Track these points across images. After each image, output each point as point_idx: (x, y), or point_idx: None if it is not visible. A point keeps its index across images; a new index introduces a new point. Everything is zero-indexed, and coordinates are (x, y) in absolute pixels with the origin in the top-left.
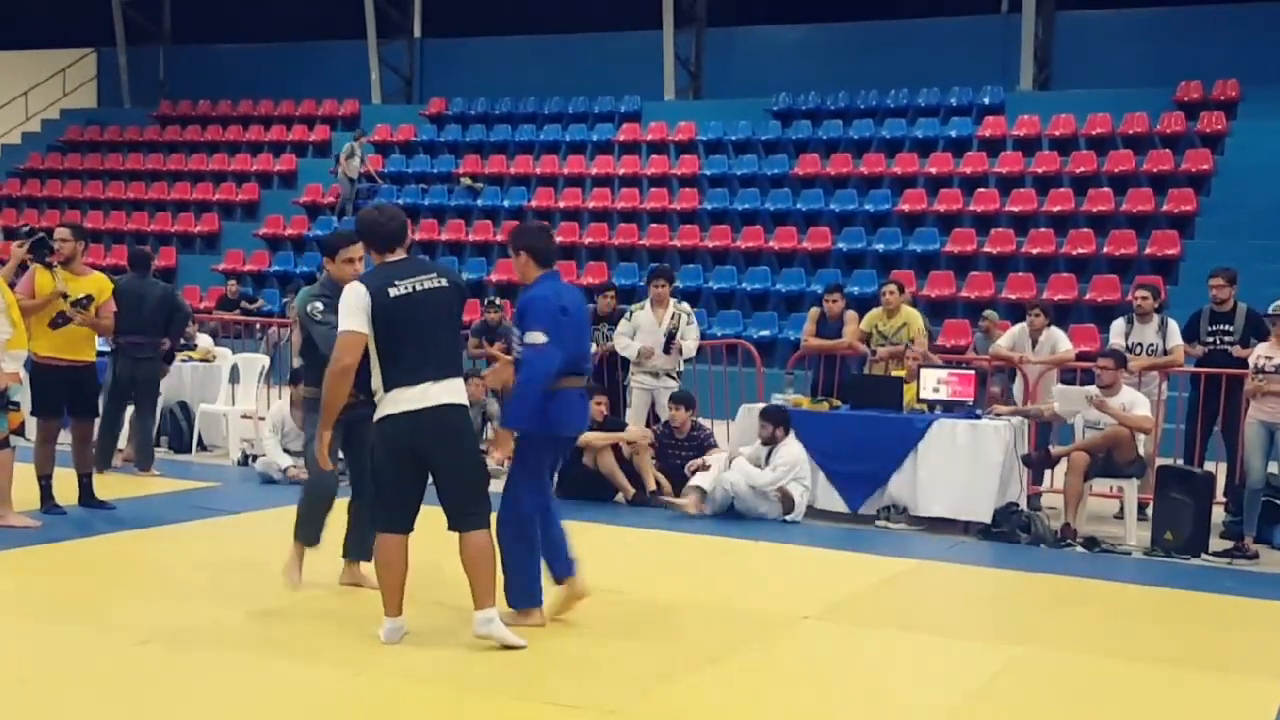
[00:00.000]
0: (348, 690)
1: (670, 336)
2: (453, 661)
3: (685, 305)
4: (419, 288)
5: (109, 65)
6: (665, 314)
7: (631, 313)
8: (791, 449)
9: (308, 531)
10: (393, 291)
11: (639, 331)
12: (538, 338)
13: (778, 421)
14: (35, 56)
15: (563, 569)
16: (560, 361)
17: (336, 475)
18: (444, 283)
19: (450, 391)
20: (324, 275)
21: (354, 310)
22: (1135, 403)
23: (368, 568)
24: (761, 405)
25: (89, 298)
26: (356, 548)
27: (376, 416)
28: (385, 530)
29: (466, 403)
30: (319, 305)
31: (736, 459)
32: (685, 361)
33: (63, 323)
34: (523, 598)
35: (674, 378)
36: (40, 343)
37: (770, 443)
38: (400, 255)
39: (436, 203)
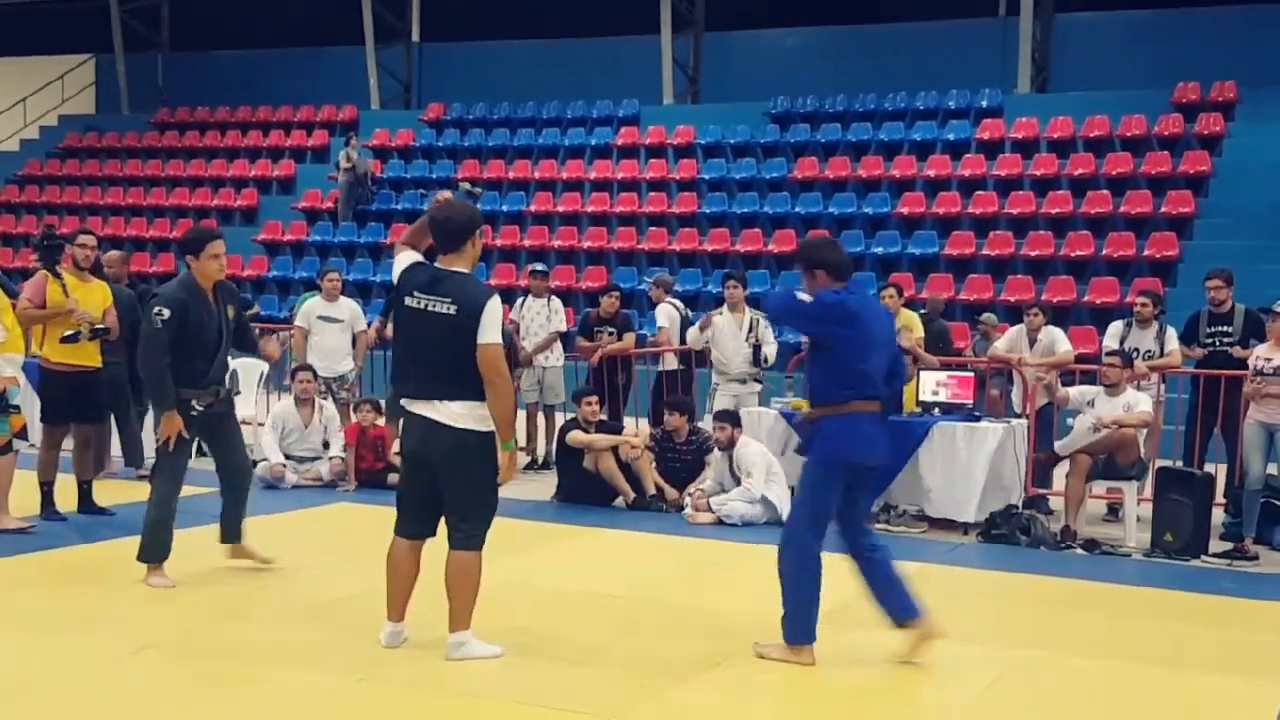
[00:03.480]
0: (345, 697)
1: (757, 346)
2: (453, 667)
3: (760, 311)
4: (429, 308)
5: (108, 72)
6: (744, 318)
7: (709, 317)
8: (751, 448)
9: (155, 550)
10: (408, 301)
11: (719, 336)
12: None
13: (734, 422)
14: (34, 63)
15: (902, 611)
16: None
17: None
18: (452, 310)
19: (440, 413)
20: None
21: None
22: (1138, 401)
23: (240, 547)
24: (760, 409)
25: (106, 329)
26: (226, 530)
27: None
28: (395, 532)
29: (465, 426)
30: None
31: (724, 500)
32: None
33: (72, 340)
34: (799, 632)
35: (759, 382)
36: (49, 349)
37: (729, 446)
38: (455, 263)
39: None
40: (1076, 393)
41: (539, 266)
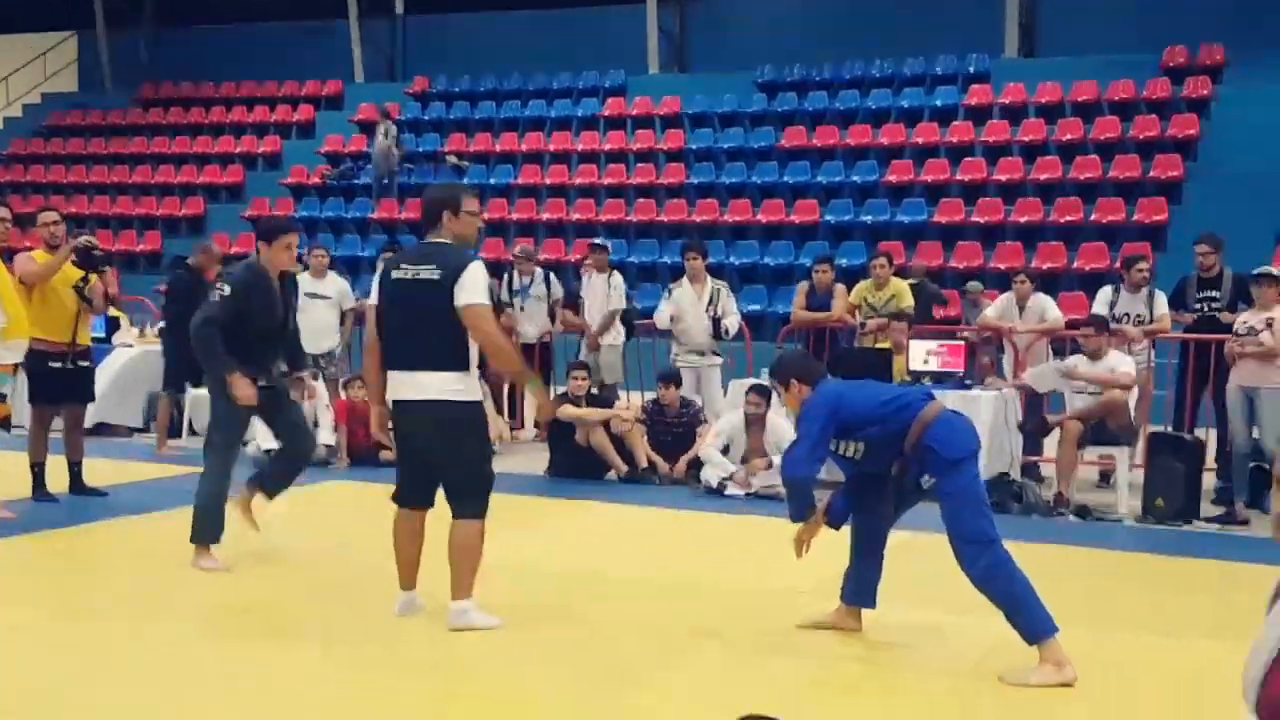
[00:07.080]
0: (340, 679)
1: (717, 319)
2: (448, 648)
3: (722, 281)
4: (416, 276)
5: (90, 48)
6: (704, 290)
7: (670, 290)
8: (783, 421)
9: (212, 530)
10: (395, 274)
11: (680, 308)
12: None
13: (768, 397)
14: (15, 41)
15: (862, 594)
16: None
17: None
18: (436, 275)
19: (419, 386)
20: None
21: (375, 283)
22: (1120, 363)
23: (257, 502)
24: (752, 381)
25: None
26: (264, 480)
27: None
28: (395, 503)
29: (442, 397)
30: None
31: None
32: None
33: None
34: (1042, 624)
35: (718, 355)
36: (36, 329)
37: (760, 420)
38: (437, 237)
39: (422, 181)
40: (1051, 370)
41: (598, 241)
